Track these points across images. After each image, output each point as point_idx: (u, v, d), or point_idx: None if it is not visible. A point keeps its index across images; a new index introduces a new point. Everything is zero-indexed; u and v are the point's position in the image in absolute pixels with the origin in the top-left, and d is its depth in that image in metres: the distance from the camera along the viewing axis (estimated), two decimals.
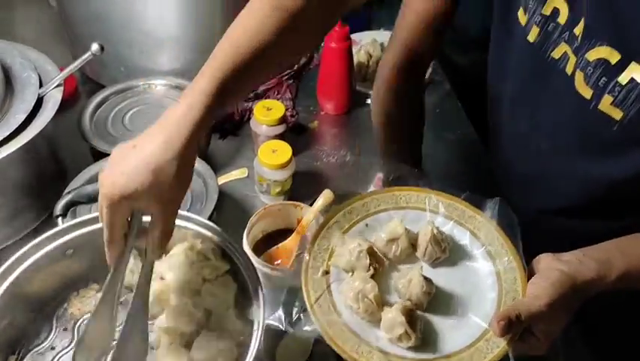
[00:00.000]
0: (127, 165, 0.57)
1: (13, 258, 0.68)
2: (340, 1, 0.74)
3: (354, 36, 1.26)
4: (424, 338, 0.61)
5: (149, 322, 0.71)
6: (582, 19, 0.67)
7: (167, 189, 0.58)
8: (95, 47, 0.89)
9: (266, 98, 1.14)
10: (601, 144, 0.71)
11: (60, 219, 0.74)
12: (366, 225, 0.70)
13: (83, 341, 0.63)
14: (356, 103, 1.18)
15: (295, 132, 1.11)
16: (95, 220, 0.72)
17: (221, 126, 1.10)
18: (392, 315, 0.60)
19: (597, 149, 0.72)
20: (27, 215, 0.88)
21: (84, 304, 0.73)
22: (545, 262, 0.62)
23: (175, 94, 1.07)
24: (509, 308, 0.59)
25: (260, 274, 0.68)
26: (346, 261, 0.65)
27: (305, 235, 0.84)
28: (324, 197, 0.86)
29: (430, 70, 1.23)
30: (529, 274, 0.63)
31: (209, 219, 0.80)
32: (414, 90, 0.97)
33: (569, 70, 0.71)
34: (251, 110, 1.08)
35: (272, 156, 0.92)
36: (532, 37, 0.75)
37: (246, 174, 1.00)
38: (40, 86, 0.87)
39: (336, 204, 0.87)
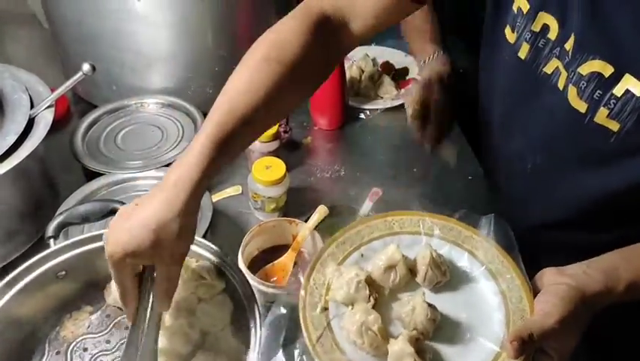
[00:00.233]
0: (130, 223, 0.58)
1: (4, 281, 0.66)
2: (338, 49, 0.74)
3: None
4: None
5: None
6: (572, 35, 0.67)
7: (169, 247, 0.58)
8: (86, 67, 0.89)
9: None
10: (598, 157, 0.71)
11: (52, 240, 0.73)
12: (362, 254, 0.68)
13: None
14: (349, 118, 1.18)
15: (289, 148, 1.10)
16: (87, 241, 0.71)
17: None
18: (399, 346, 0.57)
19: (595, 161, 0.72)
20: (19, 237, 0.86)
21: (77, 327, 0.72)
22: (550, 276, 0.61)
23: (167, 112, 1.07)
24: (521, 328, 0.58)
25: (256, 292, 0.67)
26: (344, 294, 0.62)
27: (301, 250, 0.83)
28: (319, 212, 0.85)
29: None
30: (534, 289, 0.62)
31: (204, 237, 0.79)
32: None
33: (560, 85, 0.71)
34: None
35: (266, 173, 0.92)
36: (522, 53, 0.75)
37: (240, 191, 0.99)
38: (32, 107, 0.86)
39: (330, 218, 0.88)
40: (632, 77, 0.63)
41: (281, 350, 0.61)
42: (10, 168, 0.78)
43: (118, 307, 0.73)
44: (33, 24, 1.25)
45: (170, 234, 0.57)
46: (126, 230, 0.57)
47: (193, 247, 0.70)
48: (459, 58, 1.48)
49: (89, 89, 1.15)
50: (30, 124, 0.84)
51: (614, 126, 0.66)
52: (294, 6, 1.26)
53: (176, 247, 0.59)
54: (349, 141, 1.14)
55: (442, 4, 1.45)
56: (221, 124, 0.61)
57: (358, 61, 1.27)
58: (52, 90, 0.90)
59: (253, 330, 0.63)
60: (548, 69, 0.73)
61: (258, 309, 0.64)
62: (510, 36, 0.77)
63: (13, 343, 0.68)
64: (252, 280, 0.76)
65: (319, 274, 0.65)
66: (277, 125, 1.01)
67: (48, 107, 0.88)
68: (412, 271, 0.66)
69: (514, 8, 0.75)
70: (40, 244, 0.84)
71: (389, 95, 1.23)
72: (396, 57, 1.31)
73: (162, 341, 0.67)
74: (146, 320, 0.62)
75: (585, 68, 0.67)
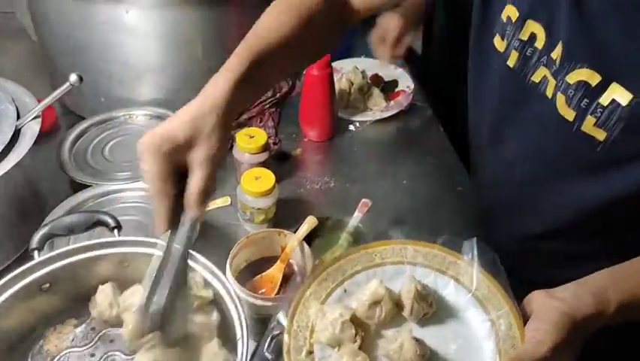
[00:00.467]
0: (163, 123, 0.60)
1: None
2: (342, 18, 0.81)
3: (335, 64, 1.27)
4: None
5: (129, 357, 0.68)
6: (560, 43, 0.68)
7: (204, 142, 0.58)
8: (73, 77, 0.89)
9: (249, 127, 1.14)
10: (586, 166, 0.71)
11: (36, 252, 0.72)
12: (345, 290, 0.66)
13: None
14: (339, 130, 1.18)
15: (278, 160, 1.10)
16: (72, 253, 0.70)
17: None
18: None
19: (582, 170, 0.72)
20: (4, 249, 0.85)
21: (61, 341, 0.70)
22: (539, 300, 0.60)
23: (156, 124, 1.04)
24: (514, 358, 0.57)
25: (244, 303, 0.67)
26: (329, 335, 0.60)
27: (289, 262, 0.82)
28: (308, 223, 0.84)
29: (412, 93, 1.24)
30: (523, 314, 0.61)
31: (192, 248, 0.78)
32: None
33: (549, 93, 0.71)
34: (233, 139, 1.07)
35: (255, 184, 0.91)
36: (511, 62, 0.76)
37: (229, 202, 0.99)
38: (18, 118, 0.86)
39: (320, 229, 0.87)
40: (619, 86, 0.63)
41: None
42: None
43: (103, 320, 0.72)
44: (21, 37, 1.25)
45: (207, 125, 0.59)
46: (165, 124, 0.59)
47: None
48: (448, 68, 1.50)
49: (78, 101, 1.14)
50: (16, 135, 0.84)
51: (601, 135, 0.66)
52: None
53: (210, 146, 0.59)
54: (339, 153, 1.14)
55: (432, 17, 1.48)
56: (247, 50, 0.67)
57: (348, 73, 1.27)
58: (40, 102, 0.90)
59: (240, 342, 0.62)
60: (536, 78, 0.73)
61: (246, 320, 0.64)
62: (499, 45, 0.77)
63: None
64: (241, 291, 0.75)
65: (302, 316, 0.63)
66: (266, 137, 1.01)
67: (34, 118, 0.87)
68: (397, 304, 0.64)
69: (504, 17, 0.75)
70: (26, 255, 0.83)
71: (378, 107, 1.23)
72: (385, 69, 1.32)
73: (149, 353, 0.66)
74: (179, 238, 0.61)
75: (573, 77, 0.67)
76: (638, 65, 0.61)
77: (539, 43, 0.71)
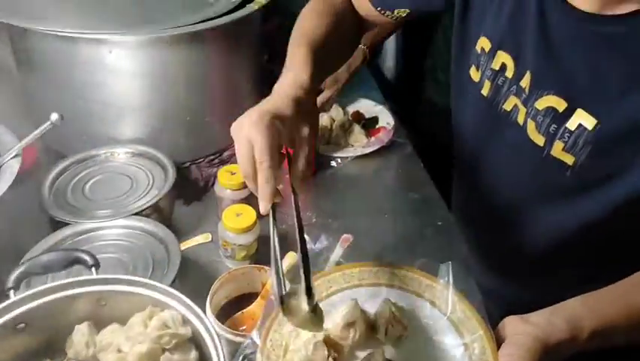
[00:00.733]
0: (268, 101, 0.64)
1: None
2: (360, 23, 0.92)
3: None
4: None
5: None
6: (528, 72, 0.71)
7: (309, 116, 0.63)
8: (54, 116, 0.89)
9: (231, 164, 1.14)
10: (558, 191, 0.73)
11: (12, 292, 0.71)
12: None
13: None
14: (321, 166, 1.19)
15: None
16: (48, 292, 0.69)
17: (185, 192, 1.09)
18: None
19: (555, 196, 0.74)
20: None
21: None
22: (513, 326, 0.61)
23: (138, 161, 1.06)
24: None
25: (224, 341, 0.66)
26: (302, 357, 0.60)
27: (270, 298, 0.82)
28: (289, 259, 0.84)
29: (392, 130, 1.26)
30: (497, 339, 0.61)
31: (171, 285, 0.77)
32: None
33: (520, 120, 0.74)
34: (215, 176, 1.07)
35: (236, 220, 0.91)
36: (485, 91, 0.79)
37: (210, 239, 0.98)
38: None
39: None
40: (584, 112, 0.66)
41: None
42: None
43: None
44: (3, 76, 1.25)
45: (306, 105, 0.64)
46: (264, 104, 0.62)
47: (158, 295, 0.69)
48: (439, 101, 1.54)
49: (59, 140, 1.14)
50: None
51: (569, 160, 0.69)
52: (263, 60, 1.28)
53: (312, 123, 0.64)
54: (321, 189, 1.15)
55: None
56: (305, 46, 0.73)
57: (330, 110, 1.29)
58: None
59: None
60: (507, 106, 0.76)
61: (225, 358, 0.63)
62: (475, 75, 0.80)
63: None
64: (220, 328, 0.74)
65: (276, 335, 0.63)
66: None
67: (15, 156, 0.87)
68: (372, 326, 0.64)
69: (478, 48, 0.78)
70: (1, 295, 0.82)
71: (359, 144, 1.25)
72: (366, 107, 1.35)
73: None
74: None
75: (541, 103, 0.70)
76: (599, 92, 0.65)
77: (509, 73, 0.74)
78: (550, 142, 0.70)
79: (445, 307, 0.66)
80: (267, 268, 0.84)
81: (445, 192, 1.12)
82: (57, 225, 0.92)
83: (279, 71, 1.34)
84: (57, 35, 0.98)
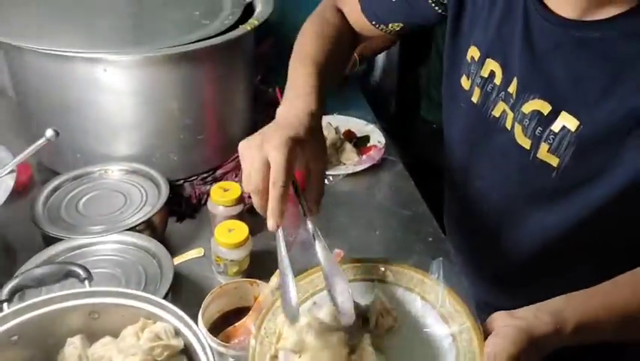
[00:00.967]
0: (283, 124, 0.67)
1: None
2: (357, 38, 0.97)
3: None
4: None
5: None
6: (515, 79, 0.74)
7: (320, 137, 0.68)
8: (49, 132, 0.91)
9: (224, 181, 1.15)
10: (545, 193, 0.76)
11: (5, 304, 0.71)
12: (314, 302, 0.68)
13: None
14: None
15: (254, 213, 1.11)
16: (41, 304, 0.69)
17: (178, 209, 1.10)
18: None
19: (542, 199, 0.77)
20: None
21: None
22: (500, 319, 0.62)
23: (131, 178, 1.07)
24: None
25: (216, 354, 0.66)
26: (294, 342, 0.62)
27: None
28: (276, 277, 0.85)
29: (383, 148, 1.28)
30: (485, 333, 0.63)
31: (164, 300, 0.78)
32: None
33: (508, 125, 0.76)
34: (208, 194, 1.08)
35: (228, 235, 0.92)
36: (475, 98, 0.81)
37: (202, 254, 0.99)
38: None
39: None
40: (567, 114, 0.68)
41: None
42: None
43: None
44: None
45: (316, 126, 0.68)
46: (280, 126, 0.66)
47: (151, 308, 0.70)
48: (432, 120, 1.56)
49: (54, 158, 1.15)
50: None
51: (554, 161, 0.71)
52: (256, 80, 1.31)
53: (323, 143, 0.69)
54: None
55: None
56: (311, 66, 0.78)
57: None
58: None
59: None
60: (496, 112, 0.78)
61: None
62: (465, 83, 0.83)
63: None
64: (212, 341, 0.75)
65: (271, 323, 0.65)
66: (240, 190, 1.02)
67: (9, 172, 0.88)
68: (363, 318, 0.66)
69: (468, 57, 0.82)
70: None
71: (351, 162, 1.27)
72: (358, 126, 1.37)
73: None
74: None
75: (527, 107, 0.72)
76: (581, 95, 0.68)
77: (497, 80, 0.77)
78: (536, 145, 0.72)
79: (435, 301, 0.67)
80: (259, 282, 0.84)
81: (435, 209, 1.14)
82: (51, 240, 0.92)
83: (272, 91, 1.36)
84: (53, 54, 1.00)
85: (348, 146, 1.28)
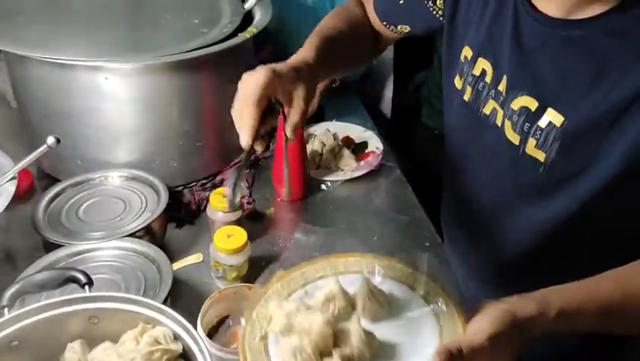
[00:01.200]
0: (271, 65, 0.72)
1: None
2: (376, 37, 1.03)
3: (308, 127, 1.33)
4: None
5: None
6: (504, 76, 0.76)
7: (307, 81, 0.73)
8: (50, 140, 0.92)
9: (223, 187, 1.16)
10: (533, 189, 0.78)
11: (6, 309, 0.72)
12: (306, 291, 0.71)
13: None
14: (311, 189, 1.21)
15: (252, 219, 1.12)
16: (42, 309, 0.70)
17: (177, 215, 1.11)
18: None
19: (531, 195, 0.79)
20: None
21: None
22: (487, 305, 0.63)
23: (131, 185, 1.08)
24: (450, 342, 0.59)
25: (214, 359, 0.67)
26: (283, 324, 0.65)
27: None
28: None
29: (381, 154, 1.30)
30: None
31: (163, 305, 0.79)
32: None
33: (499, 122, 0.79)
34: (207, 200, 1.09)
35: (227, 241, 0.93)
36: (467, 96, 0.84)
37: (201, 259, 1.00)
38: None
39: None
40: (553, 110, 0.71)
41: None
42: None
43: None
44: (1, 103, 1.28)
45: (305, 72, 0.74)
46: (269, 65, 0.71)
47: (150, 312, 0.71)
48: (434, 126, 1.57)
49: (55, 164, 1.16)
50: None
51: (541, 156, 0.73)
52: None
53: (309, 87, 0.73)
54: (311, 211, 1.17)
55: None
56: (316, 36, 0.85)
57: (320, 135, 1.32)
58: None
59: None
60: (487, 110, 0.80)
61: None
62: (458, 83, 0.86)
63: None
64: (211, 346, 0.75)
65: (263, 309, 0.68)
66: (240, 197, 1.03)
67: (11, 179, 0.89)
68: (352, 305, 0.68)
69: (462, 58, 0.84)
70: None
71: (349, 167, 1.28)
72: (356, 132, 1.38)
73: None
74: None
75: (516, 103, 0.75)
76: (566, 91, 0.70)
77: (488, 78, 0.80)
78: (524, 140, 0.75)
79: (421, 290, 0.70)
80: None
81: (432, 215, 1.15)
82: (51, 246, 0.93)
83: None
84: (54, 62, 1.01)
85: (346, 152, 1.29)
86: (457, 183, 0.94)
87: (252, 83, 0.70)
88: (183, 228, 1.10)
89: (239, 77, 1.25)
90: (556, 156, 0.72)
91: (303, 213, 1.17)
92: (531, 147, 0.74)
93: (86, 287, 0.75)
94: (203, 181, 1.20)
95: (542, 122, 0.72)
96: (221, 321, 0.85)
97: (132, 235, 0.96)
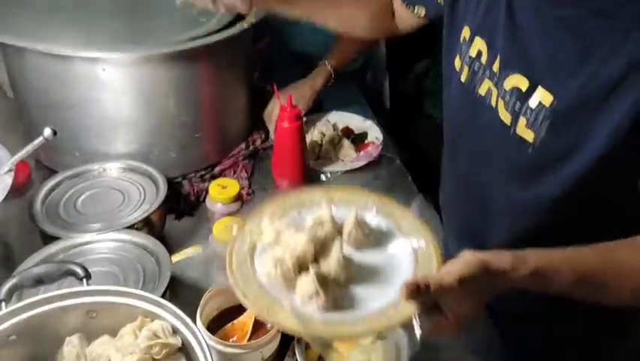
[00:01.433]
0: None
1: None
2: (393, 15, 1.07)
3: (307, 117, 1.32)
4: (338, 305, 0.63)
5: None
6: (498, 56, 0.77)
7: None
8: (47, 132, 0.91)
9: (222, 178, 1.16)
10: (523, 169, 0.78)
11: (3, 303, 0.72)
12: (299, 213, 0.74)
13: None
14: (310, 180, 1.21)
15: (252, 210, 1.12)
16: (39, 303, 0.69)
17: (176, 207, 1.10)
18: (306, 278, 0.63)
19: (520, 175, 0.79)
20: None
21: None
22: (465, 252, 0.64)
23: (129, 176, 1.07)
24: (419, 277, 0.62)
25: (214, 352, 0.67)
26: (272, 239, 0.68)
27: None
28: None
29: (381, 145, 1.29)
30: None
31: (162, 297, 0.78)
32: None
33: (493, 102, 0.79)
34: (207, 191, 1.09)
35: (227, 232, 0.92)
36: (464, 77, 0.84)
37: (200, 251, 0.99)
38: None
39: None
40: (543, 90, 0.71)
41: None
42: None
43: None
44: None
45: None
46: None
47: (149, 306, 0.70)
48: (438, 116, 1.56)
49: (52, 156, 1.15)
50: None
51: (530, 137, 0.74)
52: (254, 77, 1.30)
53: None
54: None
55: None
56: None
57: (319, 126, 1.31)
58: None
59: None
60: (482, 90, 0.81)
61: None
62: (457, 64, 0.86)
63: None
64: (210, 339, 0.75)
65: (254, 225, 0.71)
66: (239, 187, 1.03)
67: (7, 171, 0.88)
68: (339, 233, 0.71)
69: (461, 38, 0.85)
70: None
71: (349, 158, 1.27)
72: (356, 122, 1.37)
73: None
74: None
75: (508, 83, 0.76)
76: (555, 70, 0.71)
77: (483, 59, 0.80)
78: (515, 120, 0.75)
79: (406, 229, 0.72)
80: None
81: (433, 204, 1.14)
82: (49, 239, 0.93)
83: (269, 88, 1.36)
84: (51, 54, 1.00)
85: (346, 142, 1.29)
86: (453, 163, 0.95)
87: None
88: (182, 219, 1.10)
89: (237, 68, 1.25)
90: (545, 135, 0.72)
91: None
92: (521, 127, 0.75)
93: (84, 281, 0.75)
94: (202, 172, 1.19)
95: (532, 102, 0.73)
96: (221, 314, 0.84)
97: (131, 227, 0.95)
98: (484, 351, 0.91)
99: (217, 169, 1.20)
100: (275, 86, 1.24)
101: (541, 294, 0.66)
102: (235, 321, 0.82)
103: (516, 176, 0.80)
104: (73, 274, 0.76)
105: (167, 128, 1.13)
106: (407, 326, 0.63)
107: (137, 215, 0.98)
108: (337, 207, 0.74)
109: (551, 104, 0.71)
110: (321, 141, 1.28)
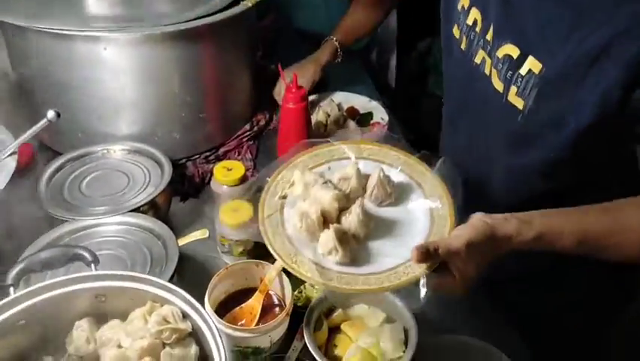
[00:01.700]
0: None
1: None
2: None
3: (312, 97, 1.30)
4: (355, 259, 0.68)
5: None
6: (491, 25, 0.78)
7: None
8: (50, 114, 0.89)
9: (227, 160, 1.15)
10: (513, 138, 0.80)
11: (11, 288, 0.72)
12: (329, 167, 0.78)
13: None
14: None
15: (257, 192, 1.11)
16: (48, 288, 0.69)
17: (181, 189, 1.10)
18: (326, 233, 0.67)
19: (511, 143, 0.81)
20: None
21: None
22: (476, 215, 0.68)
23: (134, 158, 1.07)
24: (430, 241, 0.67)
25: (222, 335, 0.67)
26: (302, 191, 0.72)
27: (269, 292, 0.83)
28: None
29: (386, 125, 1.27)
30: None
31: (170, 281, 0.78)
32: None
33: (487, 71, 0.80)
34: (211, 173, 1.08)
35: (233, 215, 0.92)
36: (463, 45, 0.85)
37: (207, 235, 0.99)
38: None
39: None
40: (533, 58, 0.73)
41: None
42: None
43: (80, 356, 0.71)
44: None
45: None
46: None
47: (158, 291, 0.70)
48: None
49: (56, 138, 1.14)
50: None
51: (520, 104, 0.75)
52: (257, 56, 1.28)
53: None
54: None
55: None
56: None
57: (324, 106, 1.30)
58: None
59: None
60: (477, 59, 0.82)
61: (225, 353, 0.63)
62: (456, 32, 0.87)
63: None
64: (219, 323, 0.75)
65: (288, 173, 0.76)
66: (244, 169, 1.02)
67: (11, 154, 0.88)
68: (364, 188, 0.75)
69: (459, 7, 0.86)
70: (1, 292, 0.82)
71: None
72: (361, 102, 1.35)
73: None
74: None
75: (500, 52, 0.77)
76: (545, 40, 0.72)
77: (478, 28, 0.82)
78: (507, 88, 0.77)
79: (427, 190, 0.76)
80: (264, 263, 0.84)
81: None
82: (54, 222, 0.92)
83: (273, 67, 1.34)
84: (52, 33, 0.98)
85: (351, 123, 1.27)
86: (452, 133, 0.96)
87: None
88: (187, 201, 1.09)
89: (241, 47, 1.23)
90: (534, 104, 0.74)
91: None
92: (512, 95, 0.76)
93: (92, 265, 0.74)
94: (207, 153, 1.18)
95: (523, 70, 0.74)
96: (229, 298, 0.84)
97: (136, 209, 0.94)
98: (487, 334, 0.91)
99: (221, 150, 1.19)
100: (280, 66, 1.22)
101: (546, 254, 0.69)
102: (244, 305, 0.82)
103: (506, 145, 0.82)
104: (81, 258, 0.75)
105: (171, 109, 1.12)
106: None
107: (143, 198, 0.97)
108: (366, 161, 0.78)
109: (540, 72, 0.72)
110: (326, 121, 1.27)
